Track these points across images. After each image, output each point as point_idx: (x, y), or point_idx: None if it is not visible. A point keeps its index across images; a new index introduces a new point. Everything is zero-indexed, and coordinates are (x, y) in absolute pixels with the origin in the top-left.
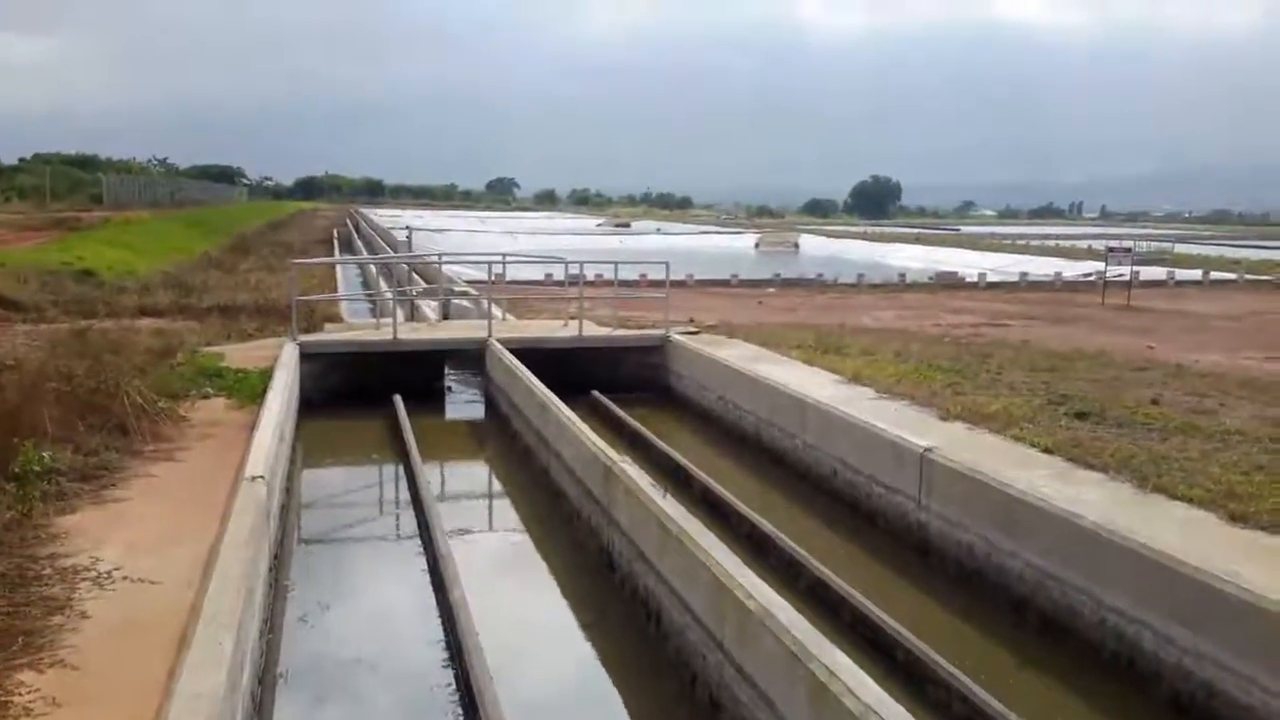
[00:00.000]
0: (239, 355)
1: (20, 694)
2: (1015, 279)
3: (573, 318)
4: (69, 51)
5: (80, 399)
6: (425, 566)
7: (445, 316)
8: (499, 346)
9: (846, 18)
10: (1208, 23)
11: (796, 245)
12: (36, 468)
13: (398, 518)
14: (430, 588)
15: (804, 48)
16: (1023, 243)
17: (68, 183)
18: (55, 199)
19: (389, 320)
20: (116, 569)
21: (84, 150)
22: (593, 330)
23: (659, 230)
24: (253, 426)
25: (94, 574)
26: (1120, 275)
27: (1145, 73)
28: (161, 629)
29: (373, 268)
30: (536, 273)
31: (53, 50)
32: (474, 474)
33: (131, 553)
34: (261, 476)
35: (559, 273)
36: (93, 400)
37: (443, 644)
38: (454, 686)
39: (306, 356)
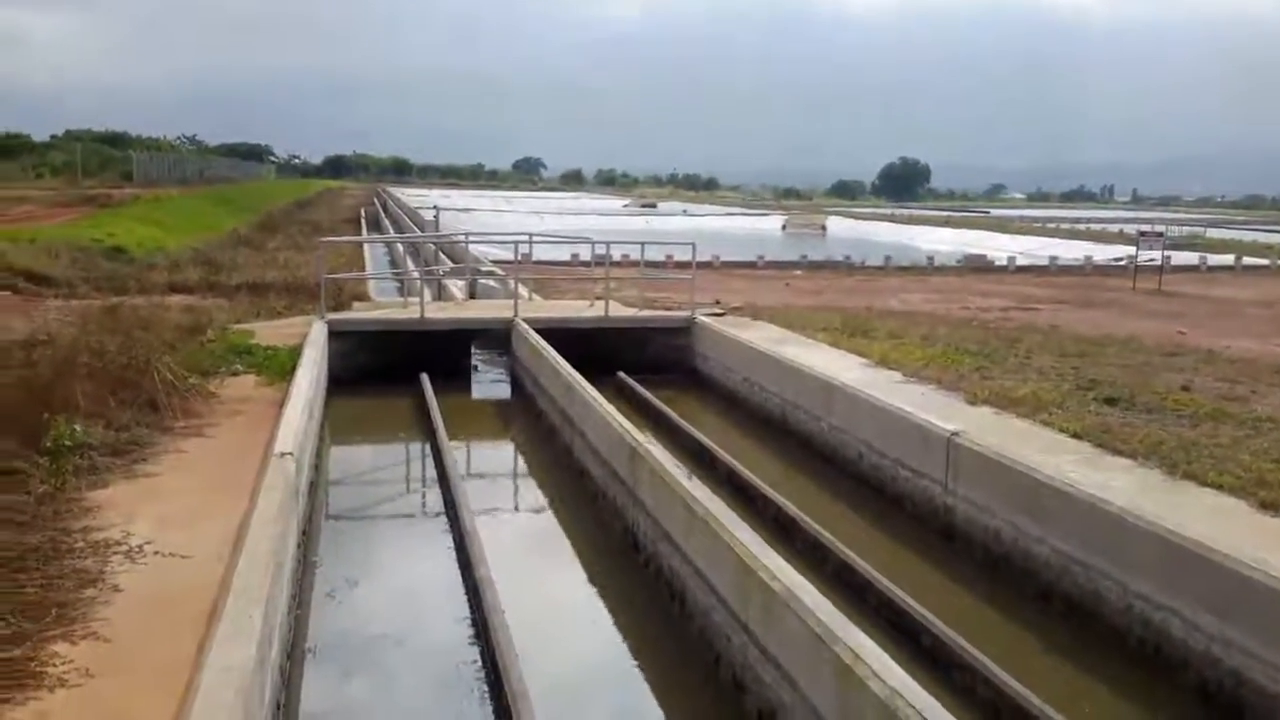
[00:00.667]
0: (268, 333)
1: (54, 665)
2: (1045, 263)
3: (599, 298)
4: (76, 29)
5: (112, 375)
6: (451, 544)
7: (472, 296)
8: (525, 326)
9: None
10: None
11: (824, 227)
12: (68, 442)
13: (424, 495)
14: (456, 565)
15: (829, 26)
16: (1052, 226)
17: (98, 160)
18: (86, 176)
19: (416, 299)
20: (148, 543)
21: (112, 128)
22: (619, 311)
23: (685, 211)
24: (282, 403)
25: (126, 548)
26: (1151, 260)
27: (1166, 53)
28: (192, 603)
29: (400, 247)
30: (562, 253)
31: (61, 29)
32: (500, 453)
33: (162, 527)
34: (290, 453)
35: (585, 253)
36: (124, 376)
37: (468, 621)
38: (479, 663)
39: (335, 334)
